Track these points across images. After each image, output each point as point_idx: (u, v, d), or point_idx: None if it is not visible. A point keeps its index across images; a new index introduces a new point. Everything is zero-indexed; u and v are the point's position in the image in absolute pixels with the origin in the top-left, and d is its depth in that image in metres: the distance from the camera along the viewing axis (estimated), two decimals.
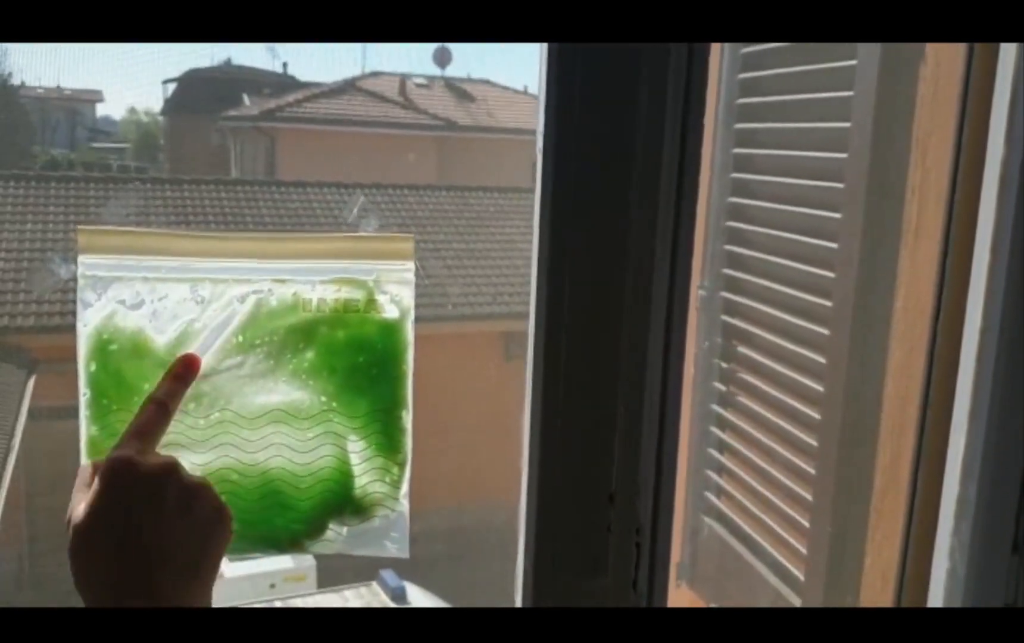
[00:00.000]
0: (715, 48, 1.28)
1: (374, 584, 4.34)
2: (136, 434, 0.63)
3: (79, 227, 0.64)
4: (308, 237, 0.68)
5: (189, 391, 0.66)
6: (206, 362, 0.67)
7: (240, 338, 0.67)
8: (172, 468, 0.62)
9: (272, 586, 4.15)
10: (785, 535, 1.60)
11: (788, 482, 1.60)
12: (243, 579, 4.01)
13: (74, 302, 0.65)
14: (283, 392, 0.68)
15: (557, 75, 0.76)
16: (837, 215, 1.44)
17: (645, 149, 0.78)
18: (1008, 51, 1.04)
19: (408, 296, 0.69)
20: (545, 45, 0.78)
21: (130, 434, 0.63)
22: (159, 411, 0.64)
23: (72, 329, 0.66)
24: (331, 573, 4.26)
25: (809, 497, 1.53)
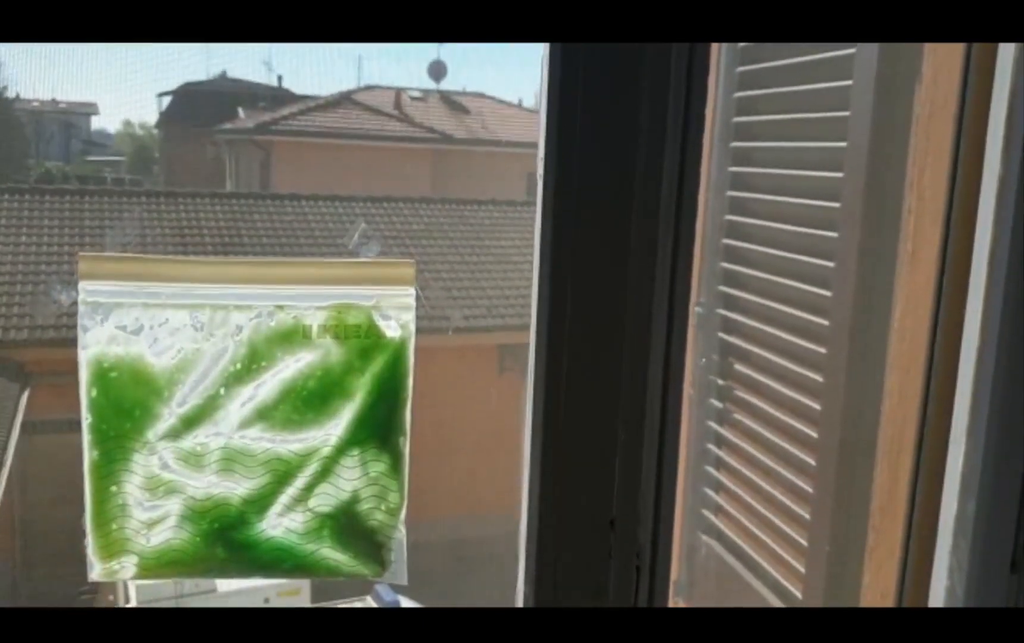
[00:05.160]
0: (712, 65, 1.28)
1: (368, 598, 4.33)
2: None
3: (80, 254, 0.64)
4: (308, 262, 0.68)
5: (187, 418, 0.66)
6: (206, 387, 0.66)
7: (239, 364, 0.67)
8: None
9: (266, 600, 4.13)
10: (783, 553, 1.60)
11: (786, 500, 1.59)
12: (237, 593, 4.00)
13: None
14: (282, 417, 0.67)
15: (559, 84, 0.75)
16: (834, 234, 1.44)
17: (647, 158, 0.78)
18: (1004, 70, 1.04)
19: (409, 321, 0.69)
20: (546, 55, 0.77)
21: None
22: None
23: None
24: (325, 588, 4.24)
25: (807, 515, 1.53)
